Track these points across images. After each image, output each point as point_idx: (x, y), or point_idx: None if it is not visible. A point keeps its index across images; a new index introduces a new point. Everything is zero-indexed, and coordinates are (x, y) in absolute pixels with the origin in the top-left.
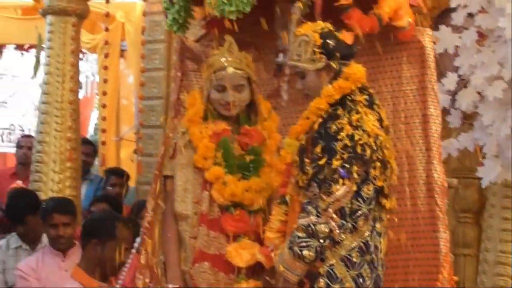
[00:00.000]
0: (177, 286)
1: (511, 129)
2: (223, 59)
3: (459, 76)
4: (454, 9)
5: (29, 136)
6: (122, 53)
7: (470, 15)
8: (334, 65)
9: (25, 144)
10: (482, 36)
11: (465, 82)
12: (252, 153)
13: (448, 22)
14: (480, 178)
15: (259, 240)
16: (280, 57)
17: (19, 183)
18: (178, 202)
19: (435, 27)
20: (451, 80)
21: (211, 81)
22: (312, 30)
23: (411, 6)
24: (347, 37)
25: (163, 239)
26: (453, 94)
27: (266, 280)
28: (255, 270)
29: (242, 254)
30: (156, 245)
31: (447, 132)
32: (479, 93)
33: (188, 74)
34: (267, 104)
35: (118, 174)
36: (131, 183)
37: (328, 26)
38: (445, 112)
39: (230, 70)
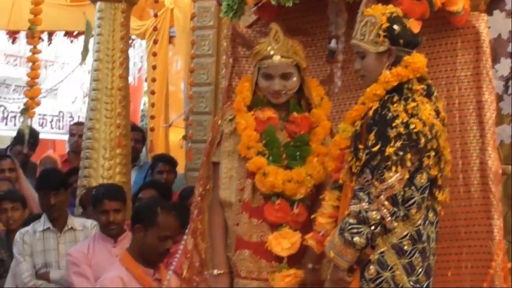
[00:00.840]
0: (222, 271)
1: None
2: (269, 48)
3: None
4: None
5: (80, 124)
6: (170, 39)
7: None
8: (395, 51)
9: (76, 132)
10: None
11: None
12: (299, 142)
13: (502, 7)
14: None
15: (302, 229)
16: (333, 43)
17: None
18: (223, 189)
19: (488, 12)
20: (504, 66)
21: (259, 69)
22: (381, 12)
23: None
24: (414, 25)
25: (210, 225)
26: (507, 80)
27: (309, 268)
28: (298, 258)
29: (282, 243)
30: (205, 231)
31: (500, 119)
32: None
33: (239, 60)
34: (320, 90)
35: (165, 160)
36: (180, 170)
37: (398, 11)
38: (498, 98)
39: (277, 58)
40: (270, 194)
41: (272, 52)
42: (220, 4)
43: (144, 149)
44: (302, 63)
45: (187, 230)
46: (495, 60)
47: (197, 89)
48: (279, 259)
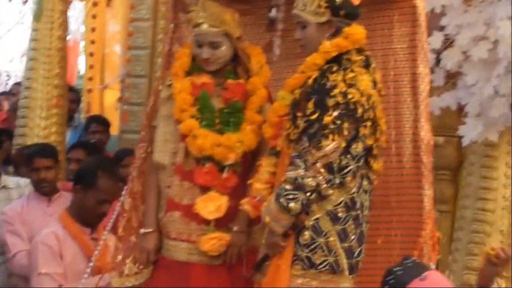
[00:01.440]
0: (150, 229)
1: (494, 89)
2: (198, 16)
3: (445, 35)
4: None
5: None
6: (108, 2)
7: None
8: (336, 22)
9: (17, 92)
10: None
11: (451, 42)
12: (232, 108)
13: None
14: (459, 136)
15: (232, 195)
16: (273, 12)
17: None
18: (157, 152)
19: None
20: (436, 39)
21: (192, 36)
22: None
23: None
24: None
25: (145, 186)
26: (438, 53)
27: (234, 230)
28: (227, 221)
29: (208, 206)
30: (143, 192)
31: (430, 91)
32: (464, 52)
33: (180, 26)
34: (262, 57)
35: (99, 121)
36: (114, 131)
37: None
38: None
39: (204, 27)
40: (201, 158)
41: (200, 21)
42: None
43: (78, 110)
44: (232, 32)
45: (124, 191)
46: (428, 33)
47: (134, 52)
48: (208, 222)
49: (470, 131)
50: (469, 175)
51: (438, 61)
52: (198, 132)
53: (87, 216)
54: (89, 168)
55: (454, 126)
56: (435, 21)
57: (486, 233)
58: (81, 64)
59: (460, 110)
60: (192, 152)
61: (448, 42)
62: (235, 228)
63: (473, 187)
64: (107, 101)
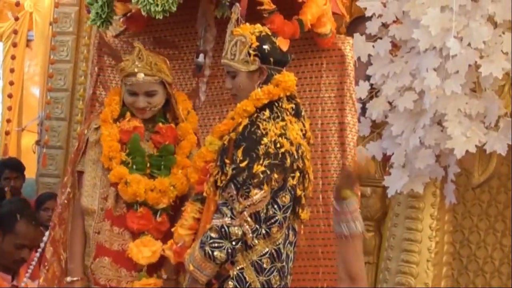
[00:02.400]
0: (76, 278)
1: (419, 140)
2: (133, 66)
3: (371, 85)
4: (368, 18)
5: None
6: (28, 43)
7: (385, 25)
8: (266, 69)
9: None
10: (395, 46)
11: (376, 91)
12: (163, 151)
13: (361, 30)
14: (383, 187)
15: (164, 240)
16: (200, 58)
17: None
18: (85, 197)
19: (348, 35)
20: (362, 89)
21: (124, 85)
22: (250, 31)
23: (334, 14)
24: (283, 43)
25: (70, 233)
26: (364, 103)
27: (163, 278)
28: (157, 268)
29: (143, 251)
30: (67, 241)
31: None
32: (390, 103)
33: (105, 69)
34: (187, 103)
35: (12, 167)
36: (31, 174)
37: (266, 30)
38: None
39: (140, 76)
40: (133, 203)
41: (136, 70)
42: (89, 12)
43: None
44: (167, 79)
45: (45, 238)
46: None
47: (54, 95)
48: (139, 268)
49: (395, 182)
50: (394, 226)
51: (364, 110)
52: (129, 178)
53: (5, 262)
54: (7, 212)
55: (378, 177)
56: (361, 70)
57: (410, 285)
58: None
59: (386, 160)
60: (124, 197)
61: (374, 92)
62: (164, 276)
63: (398, 239)
64: (24, 144)
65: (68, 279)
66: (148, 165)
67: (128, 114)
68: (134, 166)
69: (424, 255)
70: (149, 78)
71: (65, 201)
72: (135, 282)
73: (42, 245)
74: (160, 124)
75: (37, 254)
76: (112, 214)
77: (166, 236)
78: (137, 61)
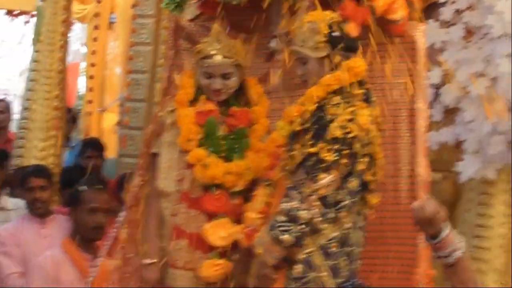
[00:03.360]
0: (154, 260)
1: (492, 126)
2: (211, 48)
3: (444, 70)
4: (442, 4)
5: (1, 100)
6: (110, 25)
7: (458, 11)
8: (336, 55)
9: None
10: (469, 32)
11: (450, 77)
12: (238, 135)
13: (436, 17)
14: (456, 172)
15: (240, 222)
16: (273, 43)
17: None
18: (161, 179)
19: (421, 21)
20: (435, 74)
21: (201, 67)
22: (321, 18)
23: (406, 0)
24: (352, 29)
25: (146, 214)
26: (437, 88)
27: (236, 260)
28: (231, 251)
29: (218, 233)
30: (140, 221)
31: (428, 125)
32: (463, 88)
33: (180, 53)
34: (259, 88)
35: (94, 146)
36: (112, 154)
37: (337, 17)
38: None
39: (218, 58)
40: (209, 185)
41: (213, 52)
42: None
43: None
44: (243, 63)
45: (120, 218)
46: (427, 68)
47: (134, 76)
48: (214, 250)
49: (467, 168)
50: (466, 212)
51: (437, 96)
52: (207, 161)
53: (84, 233)
54: (73, 188)
55: (451, 162)
56: (434, 56)
57: (482, 271)
58: (80, 85)
59: (458, 145)
60: (201, 180)
61: (447, 77)
62: (232, 257)
63: (470, 224)
64: (105, 124)
65: (146, 261)
66: (223, 148)
67: (203, 97)
68: (211, 148)
69: (496, 241)
70: (226, 60)
71: (141, 183)
72: (204, 262)
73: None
74: (235, 107)
75: (112, 234)
76: (189, 196)
77: (241, 220)
78: (215, 43)
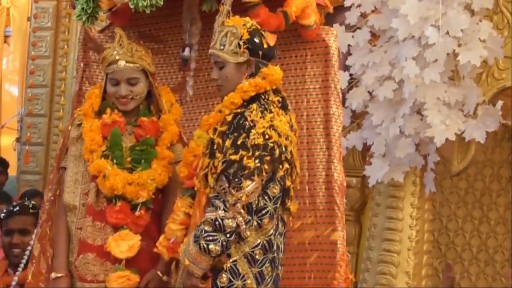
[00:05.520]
0: (60, 275)
1: (399, 129)
2: (114, 53)
3: (351, 75)
4: (347, 8)
5: None
6: (5, 39)
7: (363, 15)
8: (254, 62)
9: None
10: (374, 36)
11: (356, 81)
12: (144, 144)
13: (340, 20)
14: (362, 177)
15: (145, 233)
16: (186, 51)
17: None
18: (67, 193)
19: (327, 25)
20: (342, 79)
21: (107, 75)
22: (242, 24)
23: (318, 5)
24: (270, 38)
25: (54, 229)
26: (344, 93)
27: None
28: (136, 262)
29: (121, 245)
30: (53, 237)
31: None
32: (369, 92)
33: (90, 65)
34: (171, 96)
35: None
36: (12, 172)
37: (256, 24)
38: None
39: (122, 63)
40: (112, 197)
41: (117, 57)
42: (74, 7)
43: None
44: (149, 68)
45: (34, 236)
46: None
47: (33, 91)
48: (121, 261)
49: (375, 172)
50: (375, 216)
51: (344, 100)
52: (108, 172)
53: (5, 254)
54: None
55: (357, 166)
56: (340, 60)
57: (392, 274)
58: None
59: (365, 150)
60: (103, 191)
61: (354, 82)
62: (164, 278)
63: (379, 228)
64: (3, 142)
65: (53, 275)
66: (129, 159)
67: (108, 109)
68: (114, 160)
69: (405, 244)
70: (130, 65)
71: (52, 198)
72: (110, 275)
73: (31, 242)
74: (142, 118)
75: (27, 252)
76: (94, 209)
77: (146, 230)
78: (118, 48)
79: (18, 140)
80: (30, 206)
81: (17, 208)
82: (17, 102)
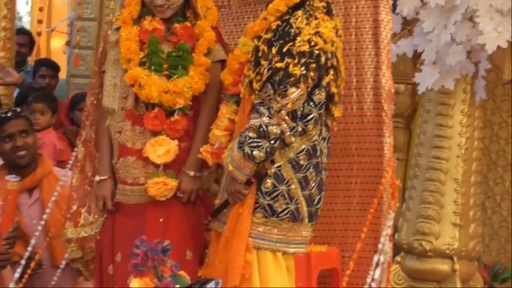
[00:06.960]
0: (104, 177)
1: (451, 36)
2: None
3: None
4: None
5: None
6: None
7: None
8: None
9: None
10: None
11: None
12: (180, 50)
13: None
14: (413, 84)
15: (183, 138)
16: None
17: None
18: (106, 97)
19: None
20: None
21: None
22: None
23: None
24: None
25: (97, 132)
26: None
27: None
28: (175, 166)
29: (157, 150)
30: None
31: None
32: None
33: None
34: (207, 1)
35: (48, 65)
36: (62, 76)
37: None
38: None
39: None
40: (150, 103)
41: None
42: None
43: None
44: None
45: (78, 139)
46: None
47: None
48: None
49: (426, 79)
50: (424, 123)
51: (394, 7)
52: (143, 81)
53: (6, 161)
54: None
55: (408, 73)
56: None
57: (440, 181)
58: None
59: (416, 57)
60: (140, 98)
61: None
62: (191, 174)
63: (428, 135)
64: (54, 45)
65: (97, 177)
66: (166, 65)
67: (148, 16)
68: (152, 67)
69: (454, 151)
70: None
71: (95, 102)
72: (148, 180)
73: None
74: (176, 24)
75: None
76: (133, 113)
77: (185, 135)
78: None
79: (68, 43)
80: (18, 110)
81: (10, 113)
82: (67, 6)
